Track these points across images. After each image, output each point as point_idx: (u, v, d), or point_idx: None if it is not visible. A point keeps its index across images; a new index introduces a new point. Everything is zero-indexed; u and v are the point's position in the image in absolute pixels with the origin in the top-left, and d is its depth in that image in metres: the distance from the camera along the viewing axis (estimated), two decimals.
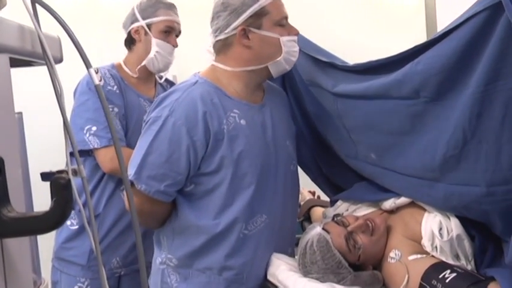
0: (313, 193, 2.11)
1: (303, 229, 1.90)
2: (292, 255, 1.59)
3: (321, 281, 1.36)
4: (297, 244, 1.64)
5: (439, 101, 1.14)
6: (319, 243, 1.37)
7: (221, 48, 1.47)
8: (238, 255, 1.46)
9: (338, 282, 1.34)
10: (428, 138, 1.20)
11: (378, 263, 1.42)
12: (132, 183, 1.40)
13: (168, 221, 1.50)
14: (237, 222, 1.44)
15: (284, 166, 1.53)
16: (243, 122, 1.46)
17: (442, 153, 1.16)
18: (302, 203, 2.03)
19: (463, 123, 1.09)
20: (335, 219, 1.45)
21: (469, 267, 1.28)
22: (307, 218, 1.97)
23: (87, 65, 0.77)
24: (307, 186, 2.10)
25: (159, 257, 1.54)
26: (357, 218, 1.44)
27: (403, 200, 1.45)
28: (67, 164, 0.76)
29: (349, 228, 1.40)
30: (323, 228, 1.40)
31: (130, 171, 1.40)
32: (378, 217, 1.44)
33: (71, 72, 1.38)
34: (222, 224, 1.43)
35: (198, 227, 1.44)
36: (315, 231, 1.41)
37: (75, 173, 0.77)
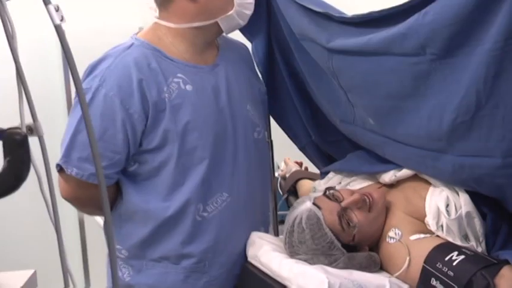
0: (300, 164, 2.10)
1: (289, 206, 1.91)
2: None
3: (310, 263, 1.35)
4: (281, 222, 1.66)
5: (448, 58, 1.11)
6: (308, 220, 1.36)
7: (162, 2, 1.43)
8: (197, 241, 1.45)
9: (329, 265, 1.34)
10: (434, 103, 1.18)
11: (375, 243, 1.41)
12: (61, 168, 1.37)
13: (114, 207, 1.47)
14: (190, 204, 1.43)
15: (245, 135, 1.52)
16: (188, 87, 1.43)
17: (451, 119, 1.14)
18: (287, 175, 2.03)
19: (476, 84, 1.06)
20: (327, 193, 1.43)
21: (479, 249, 1.27)
22: (294, 192, 1.97)
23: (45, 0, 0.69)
24: (293, 156, 2.10)
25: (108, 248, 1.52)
26: (352, 192, 1.43)
27: (404, 172, 1.43)
28: (21, 120, 0.70)
29: (343, 204, 1.38)
30: (313, 204, 1.38)
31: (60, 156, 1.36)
32: (375, 191, 1.43)
33: (25, 11, 1.30)
34: (173, 207, 1.42)
35: (146, 211, 1.42)
36: (304, 206, 1.39)
37: (31, 130, 0.71)
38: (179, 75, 1.42)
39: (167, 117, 1.38)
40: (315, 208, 1.38)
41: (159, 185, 1.42)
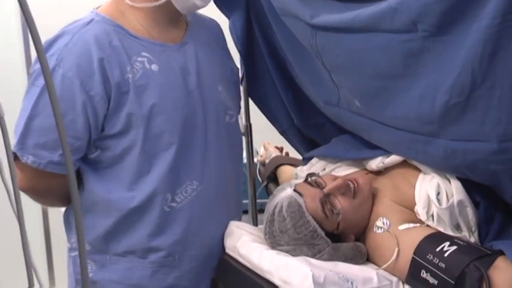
0: (281, 149, 2.09)
1: (268, 194, 1.91)
2: None
3: (293, 255, 1.33)
4: (261, 211, 1.63)
5: (441, 35, 1.09)
6: (289, 208, 1.34)
7: None
8: (166, 234, 1.42)
9: (313, 256, 1.32)
10: (426, 83, 1.16)
11: (362, 232, 1.40)
12: (16, 156, 1.32)
13: None
14: (157, 194, 1.40)
15: (216, 119, 1.49)
16: (154, 67, 1.39)
17: (444, 101, 1.12)
18: (267, 161, 2.01)
19: (472, 63, 1.04)
20: (308, 179, 1.41)
21: (472, 240, 1.26)
22: (274, 179, 1.95)
23: None
24: (273, 140, 2.09)
25: (68, 243, 1.49)
26: (335, 178, 1.41)
27: (393, 158, 1.42)
28: None
29: (325, 190, 1.36)
30: (294, 190, 1.36)
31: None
32: (361, 177, 1.42)
33: None
34: (138, 197, 1.39)
35: (109, 201, 1.38)
36: (284, 193, 1.37)
37: None
38: (144, 53, 1.38)
39: (131, 100, 1.34)
40: (296, 195, 1.35)
41: (123, 173, 1.38)
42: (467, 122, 1.12)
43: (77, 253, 1.46)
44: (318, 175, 1.43)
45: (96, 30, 1.34)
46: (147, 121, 1.36)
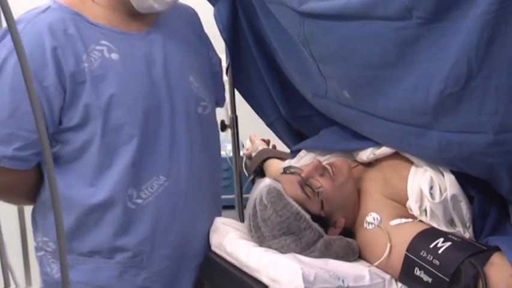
0: (268, 142, 2.08)
1: None
2: None
3: (281, 252, 1.31)
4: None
5: (437, 22, 1.07)
6: (269, 194, 1.33)
7: None
8: (132, 232, 1.39)
9: (301, 252, 1.30)
10: (420, 72, 1.14)
11: (352, 218, 1.39)
12: None
13: (38, 194, 1.41)
14: (120, 189, 1.36)
15: (186, 110, 1.45)
16: (114, 56, 1.35)
17: (438, 91, 1.11)
18: (253, 155, 2.00)
19: (468, 52, 1.02)
20: (286, 171, 1.42)
21: (466, 235, 1.26)
22: (260, 173, 1.93)
23: None
24: (260, 133, 2.08)
25: (35, 241, 1.45)
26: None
27: (384, 150, 1.41)
28: None
29: (303, 174, 1.37)
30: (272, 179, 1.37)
31: None
32: (338, 160, 1.43)
33: None
34: (100, 193, 1.36)
35: (70, 198, 1.34)
36: (263, 184, 1.37)
37: None
38: (103, 42, 1.34)
39: (88, 90, 1.31)
40: (274, 182, 1.35)
41: (84, 168, 1.35)
42: (463, 113, 1.11)
43: (43, 253, 1.43)
44: (295, 167, 1.44)
45: (51, 18, 1.31)
46: (106, 113, 1.33)
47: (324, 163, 1.42)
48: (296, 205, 1.31)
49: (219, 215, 1.57)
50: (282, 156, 1.89)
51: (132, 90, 1.35)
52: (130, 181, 1.36)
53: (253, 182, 1.93)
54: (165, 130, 1.41)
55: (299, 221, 1.30)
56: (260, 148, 2.00)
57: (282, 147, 2.02)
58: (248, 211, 1.38)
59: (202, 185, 1.49)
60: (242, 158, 2.02)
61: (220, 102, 1.73)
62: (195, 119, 1.47)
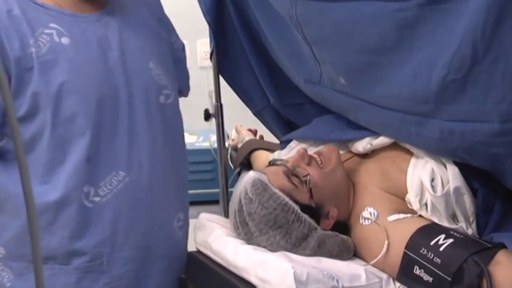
0: (255, 132, 2.09)
1: None
2: (184, 224, 1.54)
3: (271, 250, 1.30)
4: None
5: (439, 3, 1.06)
6: (253, 187, 1.32)
7: None
8: (89, 234, 1.36)
9: (292, 248, 1.30)
10: (421, 57, 1.14)
11: (346, 209, 1.39)
12: None
13: None
14: (75, 187, 1.33)
15: (145, 99, 1.43)
16: (65, 40, 1.32)
17: (441, 77, 1.10)
18: (239, 146, 2.01)
19: (473, 34, 1.01)
20: (272, 164, 1.42)
21: (469, 231, 1.25)
22: (247, 166, 1.94)
23: None
24: (246, 123, 2.08)
25: None
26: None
27: (382, 140, 1.40)
28: None
29: (289, 164, 1.36)
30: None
31: None
32: (326, 147, 1.44)
33: None
34: (52, 191, 1.32)
35: (19, 197, 1.30)
36: (247, 177, 1.36)
37: None
38: (52, 25, 1.31)
39: (36, 77, 1.27)
40: (258, 174, 1.34)
41: (34, 163, 1.29)
42: (467, 101, 1.10)
43: None
44: (283, 159, 1.43)
45: None
46: (56, 102, 1.29)
47: (310, 152, 1.42)
48: (283, 195, 1.30)
49: (186, 211, 1.55)
50: (270, 148, 1.88)
51: (84, 78, 1.33)
52: (86, 177, 1.33)
53: (239, 175, 1.93)
54: (123, 121, 1.38)
55: (287, 212, 1.29)
56: (247, 139, 2.00)
57: (270, 137, 2.02)
58: (233, 207, 1.37)
59: (165, 180, 1.47)
60: (227, 149, 2.01)
61: (184, 91, 1.70)
62: (156, 108, 1.45)
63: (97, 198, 1.35)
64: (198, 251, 1.43)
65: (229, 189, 1.85)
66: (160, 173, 1.44)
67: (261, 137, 2.06)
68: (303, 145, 1.61)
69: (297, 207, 1.30)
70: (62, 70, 1.30)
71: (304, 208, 1.31)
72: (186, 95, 1.72)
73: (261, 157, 1.86)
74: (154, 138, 1.43)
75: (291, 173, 1.33)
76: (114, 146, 1.36)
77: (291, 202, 1.30)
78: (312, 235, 1.30)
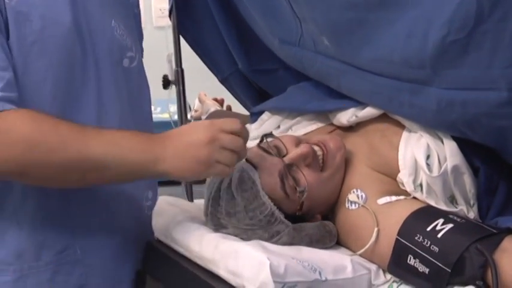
0: (221, 102, 2.13)
1: None
2: (153, 204, 1.53)
3: (243, 238, 1.29)
4: (197, 181, 1.61)
5: None
6: (241, 184, 1.28)
7: None
8: (54, 220, 1.35)
9: (270, 239, 1.28)
10: (415, 15, 1.15)
11: (329, 209, 1.38)
12: None
13: None
14: None
15: (111, 63, 1.43)
16: None
17: (439, 37, 1.10)
18: (204, 118, 2.04)
19: None
20: (263, 141, 1.37)
21: (470, 215, 1.26)
22: None
23: None
24: (211, 91, 2.12)
25: None
26: (297, 141, 1.37)
27: (369, 111, 1.40)
28: None
29: (286, 160, 1.32)
30: (247, 161, 1.31)
31: None
32: (332, 139, 1.38)
33: None
34: None
35: None
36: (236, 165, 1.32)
37: None
38: None
39: (11, 30, 1.26)
40: (249, 167, 1.30)
41: None
42: (469, 65, 1.11)
43: None
44: (275, 136, 1.39)
45: None
46: (24, 65, 1.28)
47: (313, 140, 1.38)
48: (272, 206, 1.28)
49: (154, 190, 1.56)
50: (239, 119, 1.87)
51: (54, 39, 1.31)
52: None
53: None
54: (90, 89, 1.38)
55: (272, 224, 1.29)
56: (212, 109, 2.02)
57: (238, 108, 2.02)
58: (208, 191, 1.34)
59: None
60: (190, 121, 2.00)
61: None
62: (121, 73, 1.45)
63: None
64: (158, 240, 1.43)
65: None
66: None
67: (229, 108, 2.09)
68: (277, 117, 1.60)
69: (281, 216, 1.29)
70: (34, 27, 1.28)
71: (288, 216, 1.30)
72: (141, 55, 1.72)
73: None
74: (122, 108, 1.44)
75: (286, 173, 1.31)
76: (83, 116, 1.35)
77: (278, 213, 1.29)
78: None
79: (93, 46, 1.37)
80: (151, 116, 1.61)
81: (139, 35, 1.64)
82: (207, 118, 1.97)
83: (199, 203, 1.47)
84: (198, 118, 2.03)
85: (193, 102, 2.15)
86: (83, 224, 1.37)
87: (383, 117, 1.39)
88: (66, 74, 1.32)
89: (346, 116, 1.44)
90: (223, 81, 1.88)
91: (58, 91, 1.31)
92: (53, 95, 1.31)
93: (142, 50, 1.68)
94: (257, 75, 1.79)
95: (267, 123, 1.61)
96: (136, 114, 1.49)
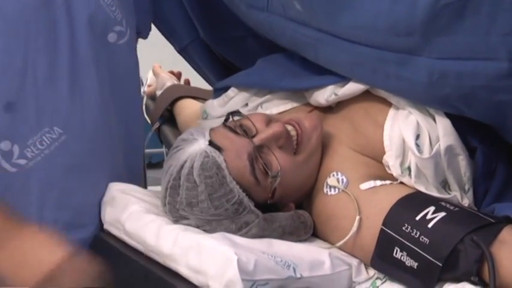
0: (178, 75, 2.13)
1: (161, 141, 2.00)
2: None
3: (206, 230, 1.29)
4: (151, 165, 1.61)
5: None
6: (204, 170, 1.27)
7: None
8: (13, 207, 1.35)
9: (237, 231, 1.29)
10: None
11: (305, 197, 1.39)
12: None
13: None
14: None
15: (91, 36, 1.43)
16: None
17: (429, 0, 1.11)
18: (158, 93, 2.05)
19: None
20: (229, 119, 1.36)
21: (465, 202, 1.28)
22: (169, 120, 1.99)
23: None
24: (167, 63, 2.14)
25: None
26: (268, 120, 1.37)
27: (350, 88, 1.40)
28: None
29: (256, 141, 1.31)
30: (210, 143, 1.31)
31: None
32: (308, 118, 1.39)
33: None
34: None
35: None
36: (197, 146, 1.31)
37: None
38: None
39: None
40: (213, 151, 1.29)
41: None
42: (465, 32, 1.11)
43: None
44: (243, 115, 1.39)
45: None
46: None
47: (286, 119, 1.38)
48: (240, 192, 1.28)
49: (141, 183, 1.58)
50: (199, 96, 1.91)
51: (17, 3, 1.32)
52: (8, 133, 1.33)
53: (159, 132, 1.97)
54: (62, 65, 1.38)
55: (240, 214, 1.29)
56: (168, 84, 2.02)
57: (199, 82, 2.03)
58: (166, 178, 1.33)
59: (113, 142, 1.50)
60: (142, 97, 2.01)
61: (143, 31, 1.70)
62: (104, 49, 1.46)
63: (22, 161, 1.36)
64: (108, 233, 1.42)
65: (145, 151, 1.86)
66: (107, 134, 1.47)
67: (187, 82, 2.08)
68: (245, 94, 1.61)
69: (251, 204, 1.29)
70: None
71: (258, 205, 1.31)
72: (145, 37, 1.73)
73: (188, 108, 1.87)
74: (102, 88, 1.44)
75: (257, 155, 1.30)
76: (50, 94, 1.36)
77: (247, 201, 1.29)
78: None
79: (69, 14, 1.38)
80: (140, 103, 1.66)
81: (145, 7, 1.66)
82: (162, 94, 1.98)
83: (156, 190, 1.48)
84: (152, 94, 2.04)
85: (146, 75, 2.14)
86: (39, 216, 1.37)
87: (366, 94, 1.40)
88: (25, 41, 1.33)
89: (324, 95, 1.44)
90: (181, 51, 1.88)
91: (16, 58, 1.32)
92: (6, 61, 1.32)
93: (150, 27, 1.72)
94: (221, 45, 1.80)
95: (233, 100, 1.62)
96: (119, 98, 1.51)
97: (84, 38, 1.41)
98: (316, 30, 1.36)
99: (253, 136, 1.32)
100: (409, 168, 1.27)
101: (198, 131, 1.36)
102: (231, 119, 1.36)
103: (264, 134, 1.32)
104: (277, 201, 1.33)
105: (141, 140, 1.66)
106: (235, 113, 1.39)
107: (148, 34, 1.74)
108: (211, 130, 1.34)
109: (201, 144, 1.30)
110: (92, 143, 1.44)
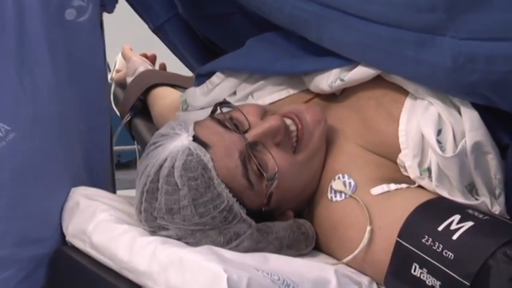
0: (153, 59, 2.16)
1: (133, 136, 2.00)
2: None
3: (189, 243, 1.29)
4: (121, 165, 1.62)
5: None
6: (188, 171, 1.28)
7: None
8: None
9: (226, 244, 1.29)
10: None
11: (305, 204, 1.40)
12: None
13: None
14: None
15: (44, 13, 1.44)
16: None
17: None
18: (129, 80, 2.06)
19: None
20: (217, 111, 1.38)
21: (495, 210, 1.27)
22: (142, 111, 2.01)
23: None
24: (139, 45, 2.15)
25: None
26: (263, 112, 1.38)
27: (359, 73, 1.41)
28: None
29: (249, 136, 1.32)
30: (194, 138, 1.31)
31: None
32: (309, 110, 1.39)
33: None
34: None
35: None
36: (177, 142, 1.32)
37: None
38: None
39: None
40: (198, 147, 1.29)
41: None
42: (497, 7, 1.12)
43: None
44: (233, 105, 1.39)
45: None
46: None
47: (283, 112, 1.39)
48: (229, 197, 1.29)
49: (103, 186, 1.58)
50: (178, 83, 1.95)
51: None
52: None
53: (129, 126, 1.98)
54: (7, 45, 1.39)
55: (230, 223, 1.30)
56: (141, 69, 2.03)
57: (177, 68, 2.04)
58: (142, 181, 1.34)
59: (72, 139, 1.50)
60: (110, 84, 2.04)
61: (108, 3, 1.70)
62: (60, 29, 1.46)
63: None
64: (71, 247, 1.43)
65: (114, 148, 1.87)
66: (63, 129, 1.47)
67: (163, 67, 2.11)
68: (233, 80, 1.62)
69: (242, 212, 1.30)
70: None
71: (251, 212, 1.31)
72: (111, 10, 1.73)
73: (165, 98, 1.90)
74: (57, 75, 1.45)
75: (250, 154, 1.30)
76: None
77: (238, 208, 1.29)
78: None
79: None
80: (106, 92, 1.67)
81: None
82: (133, 81, 1.99)
83: (128, 194, 1.48)
84: (122, 81, 2.06)
85: (114, 60, 2.17)
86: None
87: (378, 81, 1.40)
88: None
89: (327, 80, 1.44)
90: (156, 30, 1.90)
91: None
92: None
93: (114, 2, 1.72)
94: (204, 23, 1.81)
95: (218, 88, 1.62)
96: (79, 87, 1.52)
97: (35, 15, 1.42)
98: (319, 4, 1.37)
99: (246, 131, 1.33)
100: (429, 170, 1.28)
101: (180, 124, 1.35)
102: (219, 111, 1.37)
103: (258, 128, 1.33)
104: (273, 208, 1.34)
105: (107, 136, 1.68)
106: (224, 103, 1.40)
107: (114, 7, 1.73)
108: (196, 124, 1.34)
109: (183, 140, 1.30)
110: (46, 141, 1.45)
